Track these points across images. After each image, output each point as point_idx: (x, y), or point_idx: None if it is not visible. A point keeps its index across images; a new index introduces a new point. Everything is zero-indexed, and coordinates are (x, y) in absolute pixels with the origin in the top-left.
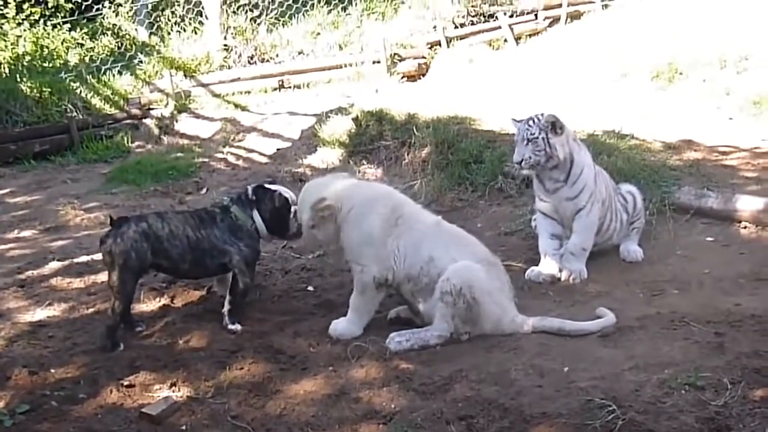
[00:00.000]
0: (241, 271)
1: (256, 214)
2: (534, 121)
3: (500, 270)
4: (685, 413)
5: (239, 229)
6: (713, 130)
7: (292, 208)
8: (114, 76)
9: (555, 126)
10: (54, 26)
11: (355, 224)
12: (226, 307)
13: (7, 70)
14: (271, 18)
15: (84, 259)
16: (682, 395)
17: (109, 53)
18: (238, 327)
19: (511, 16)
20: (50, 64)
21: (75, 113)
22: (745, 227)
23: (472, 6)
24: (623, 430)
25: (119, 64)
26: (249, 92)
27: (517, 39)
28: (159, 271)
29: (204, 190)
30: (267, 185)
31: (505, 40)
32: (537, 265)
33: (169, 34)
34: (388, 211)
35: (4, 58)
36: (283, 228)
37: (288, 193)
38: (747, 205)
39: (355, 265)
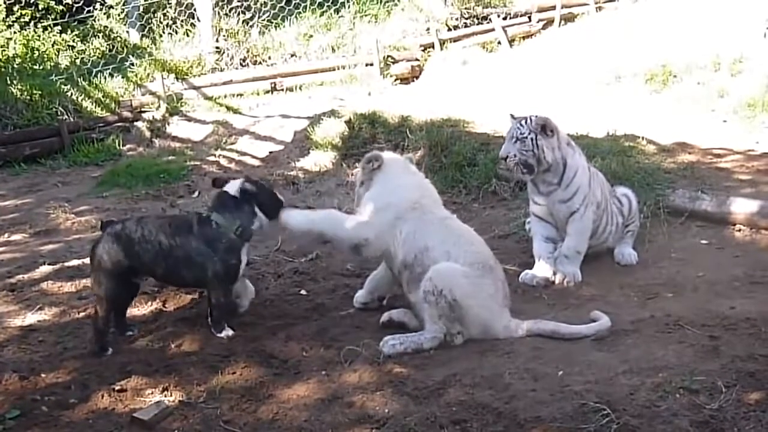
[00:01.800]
0: (214, 287)
1: (256, 209)
2: (526, 121)
3: (497, 275)
4: (680, 417)
5: (216, 239)
6: (707, 133)
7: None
8: (105, 78)
9: (545, 128)
10: (45, 28)
11: (383, 186)
12: (210, 318)
13: None
14: (264, 20)
15: (74, 263)
16: (677, 399)
17: (100, 56)
18: (228, 333)
19: (505, 18)
20: (41, 67)
21: (66, 116)
22: (739, 230)
23: (466, 8)
24: None
25: (110, 67)
26: (241, 95)
27: (511, 41)
28: (144, 275)
29: (196, 194)
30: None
31: (499, 43)
32: (531, 268)
33: (160, 36)
34: (415, 196)
35: None
36: (280, 201)
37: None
38: (741, 207)
39: (359, 216)
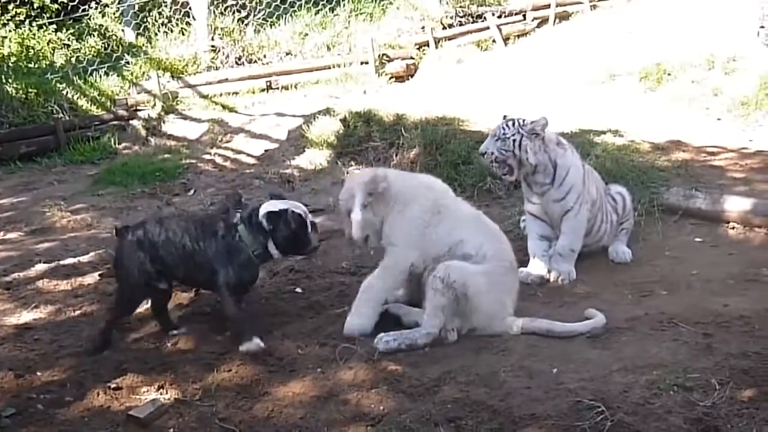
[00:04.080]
0: (224, 297)
1: (270, 243)
2: (513, 123)
3: (515, 276)
4: (674, 414)
5: (236, 251)
6: (701, 131)
7: (308, 221)
8: (101, 77)
9: (534, 134)
10: (40, 27)
11: (403, 207)
12: (231, 333)
13: None
14: (259, 19)
15: (70, 261)
16: (671, 396)
17: (95, 54)
18: (251, 347)
19: (500, 17)
20: (36, 65)
21: (61, 114)
22: (733, 228)
23: (461, 6)
24: (612, 431)
25: (106, 65)
26: (236, 93)
27: (506, 40)
28: (165, 277)
29: (191, 192)
30: (276, 204)
31: (494, 41)
32: (526, 266)
33: (156, 35)
34: (431, 200)
35: None
36: (304, 244)
37: (299, 207)
38: (735, 205)
39: (392, 248)
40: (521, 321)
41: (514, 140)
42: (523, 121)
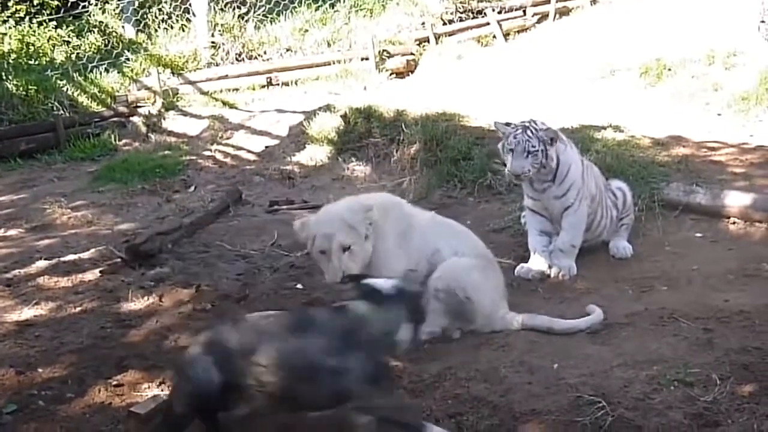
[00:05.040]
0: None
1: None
2: (533, 132)
3: (496, 266)
4: (674, 409)
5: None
6: (701, 126)
7: None
8: (101, 73)
9: (554, 140)
10: (40, 23)
11: (387, 232)
12: None
13: None
14: (259, 15)
15: (71, 257)
16: (671, 391)
17: (95, 51)
18: None
19: (500, 12)
20: (36, 62)
21: (61, 111)
22: (733, 223)
23: (461, 2)
24: (612, 426)
25: (106, 62)
26: (237, 90)
27: (506, 35)
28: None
29: (192, 188)
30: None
31: (494, 37)
32: (526, 261)
33: (156, 31)
34: (403, 218)
35: None
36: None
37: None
38: (735, 200)
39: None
40: (521, 317)
41: (541, 151)
42: (539, 126)
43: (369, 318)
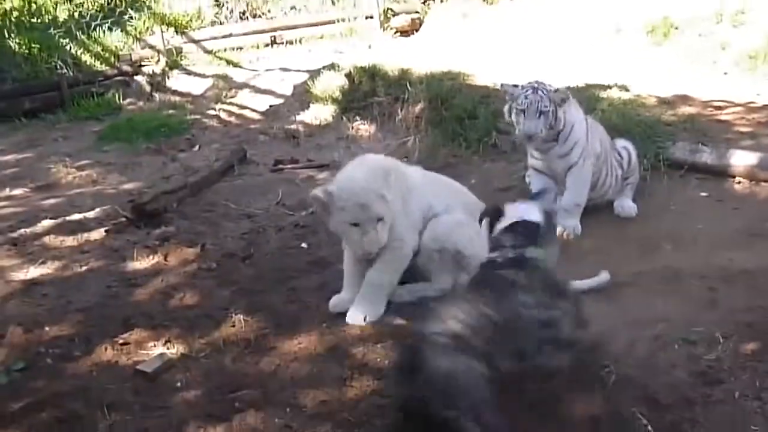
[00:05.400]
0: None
1: None
2: (543, 92)
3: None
4: (678, 368)
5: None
6: (708, 85)
7: None
8: (104, 32)
9: (564, 101)
10: None
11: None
12: None
13: None
14: None
15: (76, 217)
16: (675, 350)
17: (98, 9)
18: None
19: None
20: (39, 20)
21: (65, 70)
22: (739, 182)
23: None
24: (617, 385)
25: (109, 20)
26: (241, 48)
27: None
28: None
29: (196, 147)
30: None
31: None
32: None
33: None
34: (403, 178)
35: None
36: None
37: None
38: (741, 160)
39: (395, 242)
40: None
41: (552, 111)
42: (549, 87)
43: (545, 257)
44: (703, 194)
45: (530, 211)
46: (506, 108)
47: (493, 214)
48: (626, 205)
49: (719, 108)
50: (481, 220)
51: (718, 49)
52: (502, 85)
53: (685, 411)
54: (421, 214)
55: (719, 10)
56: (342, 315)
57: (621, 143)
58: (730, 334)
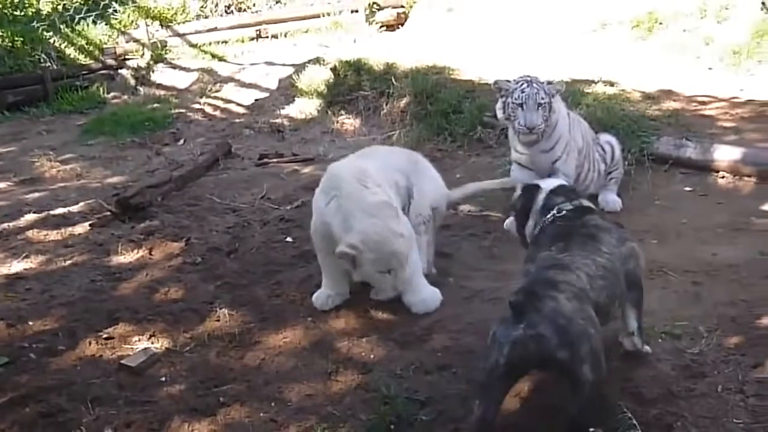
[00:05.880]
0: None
1: None
2: (539, 85)
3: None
4: (662, 361)
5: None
6: (692, 80)
7: None
8: (88, 25)
9: (557, 92)
10: None
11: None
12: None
13: None
14: None
15: (60, 211)
16: (659, 343)
17: (82, 2)
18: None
19: None
20: (22, 13)
21: (48, 63)
22: (722, 177)
23: None
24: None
25: (93, 14)
26: (226, 42)
27: None
28: None
29: (181, 141)
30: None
31: None
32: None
33: None
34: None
35: None
36: None
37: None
38: (725, 155)
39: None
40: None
41: (548, 103)
42: (542, 80)
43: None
44: (688, 189)
45: (560, 180)
46: (499, 104)
47: (534, 189)
48: (610, 199)
49: (703, 103)
50: (521, 202)
51: (702, 44)
52: (495, 81)
53: (669, 404)
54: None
55: (703, 6)
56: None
57: (605, 138)
58: (714, 328)
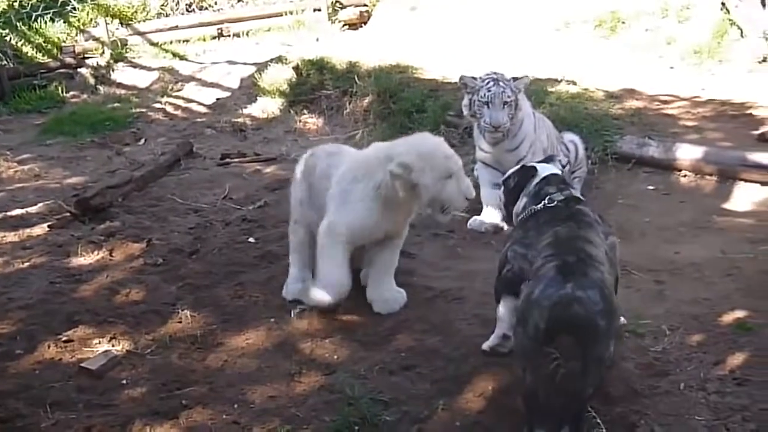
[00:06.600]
0: None
1: None
2: (505, 83)
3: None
4: (626, 360)
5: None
6: (655, 79)
7: None
8: (46, 23)
9: (521, 89)
10: None
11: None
12: None
13: None
14: None
15: (18, 212)
16: (623, 342)
17: None
18: None
19: None
20: None
21: (5, 62)
22: (685, 176)
23: None
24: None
25: (51, 11)
26: (187, 41)
27: None
28: None
29: (142, 141)
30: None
31: None
32: (479, 214)
33: None
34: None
35: None
36: None
37: None
38: (687, 154)
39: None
40: None
41: (515, 102)
42: (508, 78)
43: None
44: (651, 188)
45: (552, 168)
46: (465, 101)
47: (530, 171)
48: None
49: (666, 102)
50: (515, 181)
51: (664, 43)
52: (461, 77)
53: (633, 403)
54: None
55: (665, 5)
56: (289, 308)
57: (568, 137)
58: (677, 327)
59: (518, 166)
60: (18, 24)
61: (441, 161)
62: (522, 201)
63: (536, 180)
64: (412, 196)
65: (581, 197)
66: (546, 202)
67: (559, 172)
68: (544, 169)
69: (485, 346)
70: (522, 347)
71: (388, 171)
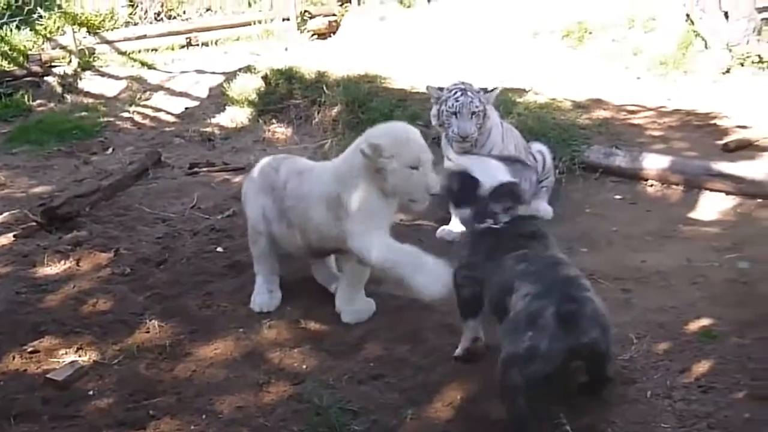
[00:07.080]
0: None
1: None
2: (473, 93)
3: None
4: None
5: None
6: (621, 90)
7: None
8: (11, 31)
9: (490, 99)
10: None
11: None
12: None
13: None
14: None
15: None
16: None
17: (5, 6)
18: None
19: None
20: None
21: None
22: (651, 185)
23: None
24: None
25: (17, 19)
26: (156, 50)
27: None
28: None
29: (110, 150)
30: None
31: None
32: (448, 224)
33: None
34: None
35: None
36: None
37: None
38: (653, 163)
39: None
40: None
41: (482, 112)
42: (476, 88)
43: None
44: (618, 197)
45: (500, 175)
46: (434, 111)
47: (472, 182)
48: (542, 208)
49: (632, 112)
50: (456, 187)
51: (630, 54)
52: (428, 87)
53: (602, 411)
54: None
55: (631, 16)
56: (257, 318)
57: (536, 147)
58: (643, 335)
59: (457, 168)
60: None
61: (412, 149)
62: (465, 211)
63: (479, 193)
64: (375, 179)
65: (531, 215)
66: (491, 223)
67: (512, 179)
68: (490, 180)
69: (457, 353)
70: (520, 406)
71: (359, 150)
